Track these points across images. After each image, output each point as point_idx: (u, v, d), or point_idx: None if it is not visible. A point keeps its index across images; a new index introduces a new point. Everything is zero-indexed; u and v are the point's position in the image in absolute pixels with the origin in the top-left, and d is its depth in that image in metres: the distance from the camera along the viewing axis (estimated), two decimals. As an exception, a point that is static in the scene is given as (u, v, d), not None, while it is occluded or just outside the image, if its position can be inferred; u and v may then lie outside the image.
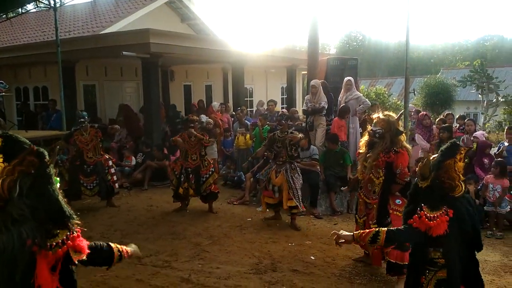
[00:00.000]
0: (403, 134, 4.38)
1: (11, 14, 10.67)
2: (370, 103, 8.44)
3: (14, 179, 1.54)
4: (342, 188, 6.27)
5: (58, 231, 1.66)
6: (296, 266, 4.70)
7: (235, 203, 7.51)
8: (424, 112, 9.26)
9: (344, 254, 5.08)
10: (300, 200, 6.08)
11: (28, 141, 1.66)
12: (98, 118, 11.72)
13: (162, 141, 9.98)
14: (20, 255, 1.52)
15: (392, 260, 4.14)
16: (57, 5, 9.53)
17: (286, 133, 6.19)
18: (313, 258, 4.96)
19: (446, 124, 8.03)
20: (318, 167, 7.11)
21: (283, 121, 6.38)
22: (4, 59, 11.60)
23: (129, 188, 8.49)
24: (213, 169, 6.84)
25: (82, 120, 6.98)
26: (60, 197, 1.68)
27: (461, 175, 2.60)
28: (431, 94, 21.84)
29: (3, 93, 8.81)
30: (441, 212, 2.51)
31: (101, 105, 12.53)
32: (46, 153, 1.66)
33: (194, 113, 10.68)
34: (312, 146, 7.29)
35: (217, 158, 9.55)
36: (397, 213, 4.15)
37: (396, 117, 4.46)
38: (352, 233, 2.90)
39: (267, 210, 6.47)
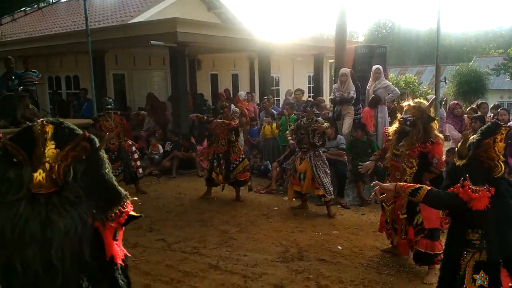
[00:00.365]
0: (435, 122, 4.28)
1: (42, 4, 10.91)
2: (399, 92, 8.27)
3: (68, 164, 1.60)
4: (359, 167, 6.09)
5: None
6: (323, 256, 4.70)
7: (261, 192, 7.55)
8: (456, 102, 9.01)
9: (372, 244, 5.05)
10: (328, 187, 6.07)
11: (78, 128, 1.71)
12: (128, 107, 11.93)
13: (189, 130, 10.09)
14: (84, 234, 1.58)
15: (421, 250, 4.09)
16: (87, -5, 9.66)
17: (311, 120, 6.16)
18: (340, 248, 4.94)
19: (479, 114, 7.79)
20: (345, 157, 7.06)
21: (308, 108, 6.35)
22: (37, 49, 11.90)
23: (158, 176, 8.65)
24: (243, 156, 6.92)
25: (109, 107, 7.12)
26: (114, 180, 1.75)
27: (501, 156, 2.52)
28: (463, 82, 21.23)
29: (36, 82, 9.08)
30: (483, 188, 2.44)
31: (130, 94, 12.75)
32: (97, 139, 1.71)
33: (223, 101, 10.77)
34: (339, 136, 7.23)
35: (243, 147, 9.59)
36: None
37: (427, 104, 4.35)
38: (395, 184, 2.85)
39: (294, 199, 6.48)
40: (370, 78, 7.98)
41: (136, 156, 7.28)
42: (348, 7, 9.54)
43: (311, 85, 16.50)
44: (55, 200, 1.56)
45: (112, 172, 6.12)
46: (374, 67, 7.93)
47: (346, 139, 7.32)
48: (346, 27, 9.58)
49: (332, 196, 6.22)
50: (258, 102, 11.82)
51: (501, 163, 2.52)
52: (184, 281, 4.09)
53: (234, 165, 6.78)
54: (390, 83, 8.32)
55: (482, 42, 44.92)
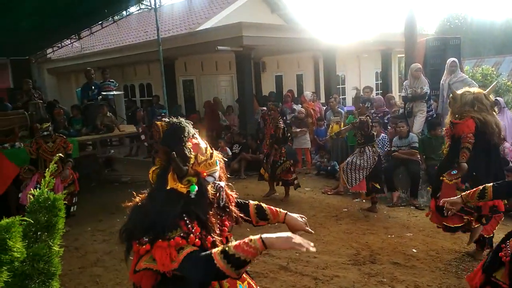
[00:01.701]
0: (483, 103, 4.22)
1: (116, 17, 11.62)
2: (477, 85, 7.77)
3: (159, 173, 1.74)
4: None
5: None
6: (397, 259, 4.54)
7: (329, 193, 7.45)
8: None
9: (450, 247, 4.79)
10: (352, 179, 6.17)
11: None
12: (197, 111, 12.35)
13: (256, 131, 10.23)
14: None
15: None
16: (157, 5, 10.14)
17: (365, 116, 6.31)
18: (415, 251, 4.75)
19: None
20: (418, 156, 6.77)
21: (361, 104, 6.31)
22: (113, 59, 12.70)
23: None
24: (284, 158, 6.99)
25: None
26: (160, 209, 1.69)
27: None
28: (548, 72, 19.46)
29: (115, 91, 9.67)
30: None
31: (199, 99, 13.18)
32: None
33: (288, 103, 10.84)
34: (411, 134, 6.94)
35: (310, 147, 9.54)
36: (447, 180, 4.27)
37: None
38: (460, 195, 2.86)
39: (364, 200, 6.39)
40: (445, 72, 7.56)
41: None
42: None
43: (379, 82, 16.01)
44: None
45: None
46: (450, 60, 7.50)
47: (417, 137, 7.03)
48: (415, 19, 9.20)
49: (350, 190, 6.51)
50: (324, 102, 11.68)
51: None
52: (255, 281, 4.14)
53: (278, 165, 6.96)
54: (467, 76, 7.85)
55: None
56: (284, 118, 9.48)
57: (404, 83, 7.77)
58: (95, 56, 13.48)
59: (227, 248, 1.60)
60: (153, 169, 1.75)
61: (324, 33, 11.49)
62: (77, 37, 11.75)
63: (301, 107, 10.35)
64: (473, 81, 7.63)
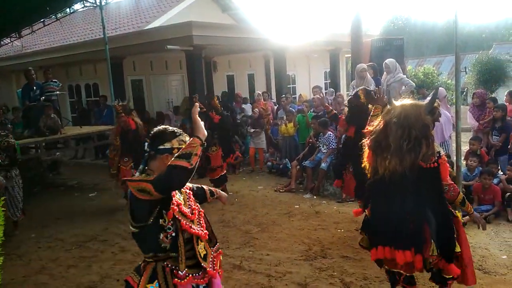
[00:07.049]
0: None
1: (59, 15, 11.12)
2: (414, 84, 8.09)
3: None
4: None
5: None
6: (347, 253, 4.68)
7: (281, 190, 7.56)
8: (480, 90, 8.83)
9: (395, 239, 5.00)
10: None
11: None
12: (146, 111, 12.08)
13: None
14: None
15: None
16: (103, 3, 9.81)
17: None
18: (363, 244, 4.91)
19: (501, 103, 7.64)
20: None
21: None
22: (56, 59, 12.14)
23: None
24: None
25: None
26: None
27: None
28: (484, 71, 20.78)
29: (58, 92, 9.26)
30: None
31: (149, 99, 12.92)
32: None
33: (238, 103, 10.85)
34: (359, 131, 7.17)
35: (265, 148, 9.56)
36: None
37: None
38: None
39: None
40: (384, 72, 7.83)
41: None
42: (363, 2, 9.46)
43: (328, 81, 16.42)
44: None
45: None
46: (386, 61, 7.75)
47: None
48: (361, 20, 9.51)
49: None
50: (275, 101, 11.82)
51: None
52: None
53: None
54: (404, 76, 8.13)
55: (502, 29, 43.76)
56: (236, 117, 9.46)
57: (351, 82, 7.99)
58: (37, 55, 12.83)
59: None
60: None
61: (275, 33, 11.61)
62: (17, 36, 11.16)
63: (253, 107, 10.41)
64: (410, 81, 7.85)
